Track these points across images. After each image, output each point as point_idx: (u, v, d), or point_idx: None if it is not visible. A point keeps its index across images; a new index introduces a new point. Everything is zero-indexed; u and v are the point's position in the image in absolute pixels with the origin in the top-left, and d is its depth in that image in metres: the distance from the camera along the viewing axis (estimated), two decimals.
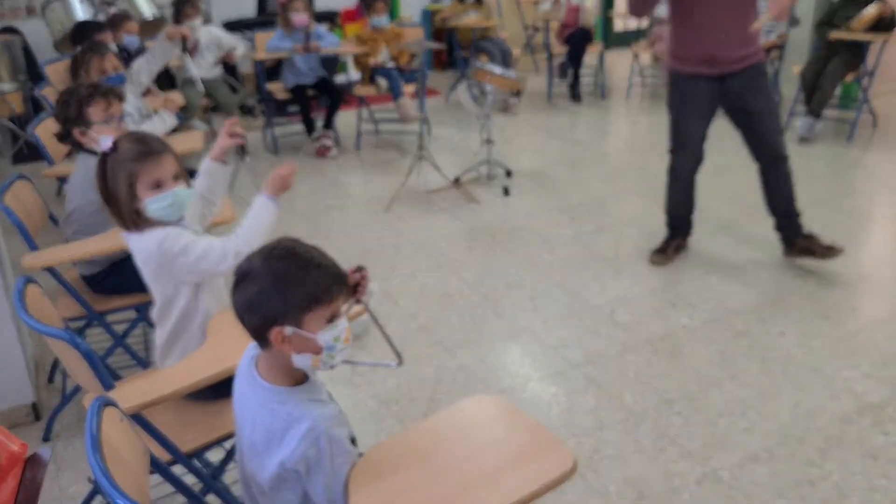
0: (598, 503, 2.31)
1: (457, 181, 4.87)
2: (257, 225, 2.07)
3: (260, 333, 1.39)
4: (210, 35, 5.80)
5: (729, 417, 2.67)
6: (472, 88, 4.75)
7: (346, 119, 6.23)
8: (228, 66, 6.20)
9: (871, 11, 5.42)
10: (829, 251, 3.60)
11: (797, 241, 3.69)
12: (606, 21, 8.54)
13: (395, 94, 5.61)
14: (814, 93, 5.57)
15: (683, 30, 3.43)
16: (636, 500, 2.32)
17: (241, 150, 2.30)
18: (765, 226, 4.25)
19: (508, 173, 5.02)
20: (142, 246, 1.99)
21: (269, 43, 5.57)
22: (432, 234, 4.25)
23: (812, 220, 4.22)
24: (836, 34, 5.52)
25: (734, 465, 2.43)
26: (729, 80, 3.43)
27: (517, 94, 5.47)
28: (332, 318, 1.40)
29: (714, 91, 3.46)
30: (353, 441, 1.55)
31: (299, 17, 5.45)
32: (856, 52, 5.62)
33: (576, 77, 6.96)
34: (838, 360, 2.98)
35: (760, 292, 3.51)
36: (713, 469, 2.42)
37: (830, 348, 3.07)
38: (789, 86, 6.18)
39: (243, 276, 1.38)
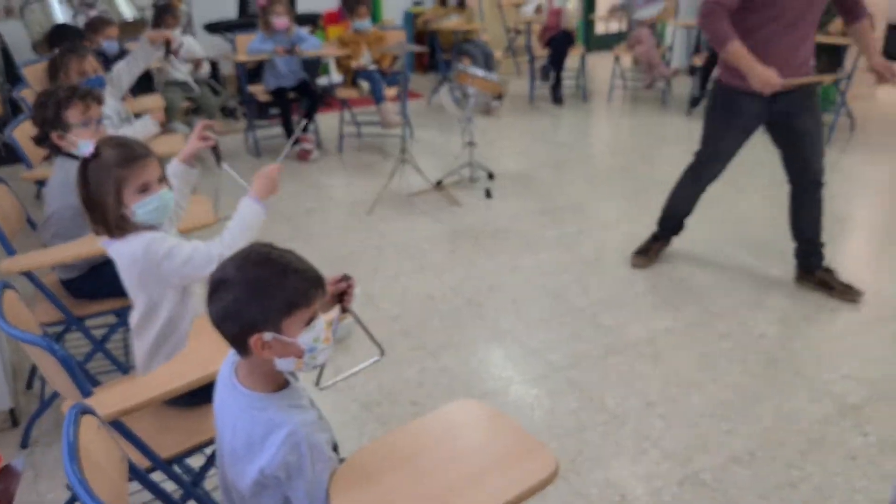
0: None
1: (439, 184, 4.87)
2: (243, 227, 2.06)
3: (239, 341, 1.38)
4: (186, 44, 5.81)
5: (710, 419, 2.67)
6: (454, 91, 4.75)
7: (328, 122, 6.20)
8: (210, 68, 6.18)
9: None
10: (847, 291, 3.46)
11: (817, 272, 3.55)
12: (588, 24, 8.57)
13: (377, 97, 5.60)
14: None
15: (751, 48, 3.09)
16: (618, 502, 2.31)
17: (216, 155, 2.27)
18: (744, 229, 4.29)
19: (491, 176, 5.02)
20: (126, 251, 1.96)
21: (251, 45, 5.54)
22: (415, 237, 4.24)
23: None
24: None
25: (716, 467, 2.44)
26: (781, 97, 3.20)
27: (499, 96, 5.48)
28: (310, 321, 1.39)
29: (764, 108, 3.27)
30: (335, 447, 1.53)
31: (280, 20, 5.43)
32: (834, 56, 5.67)
33: (558, 80, 6.98)
34: (819, 363, 3.00)
35: (741, 295, 3.53)
36: (695, 471, 2.43)
37: (811, 350, 3.08)
38: None
39: (218, 285, 1.36)
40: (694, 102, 6.57)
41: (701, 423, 2.65)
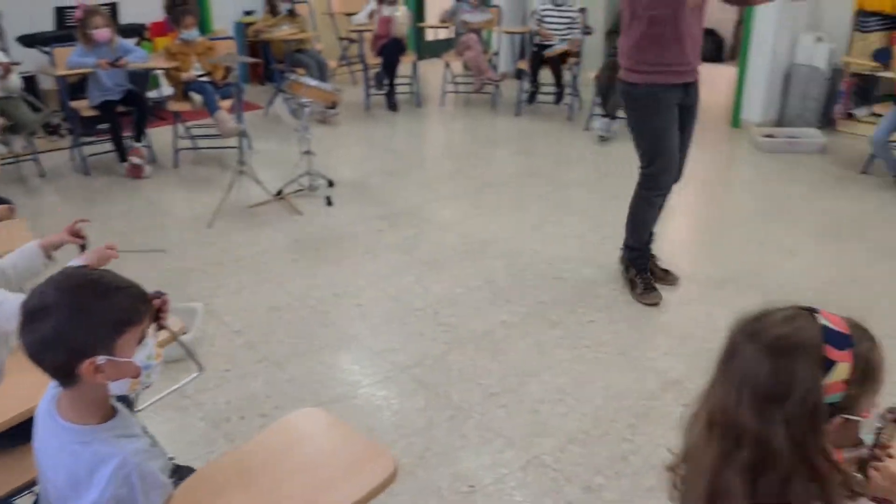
0: (430, 500, 2.33)
1: (279, 194, 4.77)
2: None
3: (65, 370, 1.28)
4: None
5: (548, 405, 2.78)
6: (288, 101, 4.67)
7: (161, 136, 5.92)
8: (28, 83, 5.72)
9: None
10: (666, 276, 3.66)
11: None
12: (418, 32, 8.67)
13: (210, 109, 5.40)
14: (608, 96, 5.93)
15: (665, 41, 3.13)
16: (467, 493, 2.36)
17: (81, 248, 2.06)
18: (571, 223, 4.48)
19: (331, 184, 4.97)
20: None
21: (70, 59, 5.19)
22: (257, 249, 4.13)
23: (611, 213, 4.49)
24: None
25: (555, 449, 2.54)
26: (691, 85, 3.30)
27: (333, 105, 5.43)
28: (141, 338, 1.33)
29: (681, 95, 3.29)
30: (175, 470, 1.47)
31: (101, 33, 5.12)
32: None
33: (391, 87, 7.02)
34: (643, 342, 3.19)
35: (570, 284, 3.69)
36: (536, 455, 2.52)
37: (635, 331, 3.27)
38: (587, 90, 6.55)
39: (34, 314, 1.26)
40: (530, 99, 6.84)
41: (540, 409, 2.75)
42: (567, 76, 6.73)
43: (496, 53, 7.34)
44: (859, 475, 1.16)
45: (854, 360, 1.09)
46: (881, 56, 5.07)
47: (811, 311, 1.14)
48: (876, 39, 5.61)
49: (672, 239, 4.21)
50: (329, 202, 4.74)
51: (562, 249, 4.07)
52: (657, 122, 3.29)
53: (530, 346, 3.16)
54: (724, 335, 1.20)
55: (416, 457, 2.51)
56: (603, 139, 5.97)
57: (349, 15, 7.54)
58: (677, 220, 4.55)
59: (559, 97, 6.87)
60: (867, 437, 1.14)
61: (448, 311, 3.44)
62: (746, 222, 4.45)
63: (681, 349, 3.12)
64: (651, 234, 3.66)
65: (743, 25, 6.27)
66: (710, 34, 8.78)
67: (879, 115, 5.16)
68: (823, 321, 1.12)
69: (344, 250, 4.11)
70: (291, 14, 6.81)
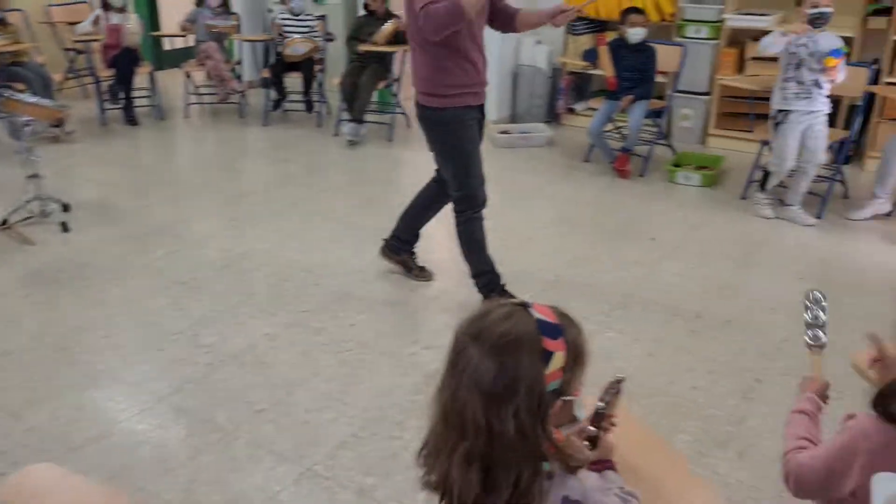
0: None
1: (4, 224, 4.26)
2: None
3: None
4: None
5: (317, 413, 2.74)
6: (5, 121, 4.18)
7: None
8: None
9: (388, 27, 6.01)
10: (422, 273, 3.75)
11: (402, 255, 3.76)
12: (154, 40, 8.17)
13: None
14: (354, 101, 5.99)
15: (462, 64, 3.12)
16: None
17: None
18: (328, 229, 4.45)
19: (66, 208, 4.52)
20: None
21: None
22: None
23: (367, 217, 4.54)
24: (363, 47, 6.00)
25: (326, 457, 2.51)
26: (482, 106, 3.32)
27: (59, 123, 4.96)
28: None
29: (479, 114, 3.30)
30: None
31: None
32: (383, 63, 6.17)
33: (128, 100, 6.54)
34: (403, 339, 3.25)
35: (331, 290, 3.67)
36: (308, 466, 2.47)
37: (395, 329, 3.33)
38: (333, 95, 6.55)
39: None
40: (275, 107, 6.68)
41: (309, 419, 2.71)
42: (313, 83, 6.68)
43: (239, 62, 7.11)
44: (586, 446, 1.26)
45: (566, 348, 1.18)
46: (589, 56, 5.59)
47: (524, 306, 1.22)
48: (586, 41, 6.18)
49: (425, 234, 4.34)
50: (65, 228, 4.31)
51: (320, 256, 4.04)
52: (465, 145, 3.26)
53: (296, 356, 3.10)
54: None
55: (182, 490, 2.36)
56: (352, 143, 6.01)
57: (72, 24, 6.91)
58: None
59: (309, 105, 6.79)
60: (580, 413, 1.24)
61: (208, 331, 3.28)
62: (491, 216, 4.67)
63: (437, 341, 3.21)
64: (417, 234, 3.74)
65: None
66: None
67: (595, 109, 5.68)
68: (537, 315, 1.19)
69: (86, 279, 3.76)
70: (2, 23, 6.10)
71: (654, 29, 5.84)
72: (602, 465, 1.34)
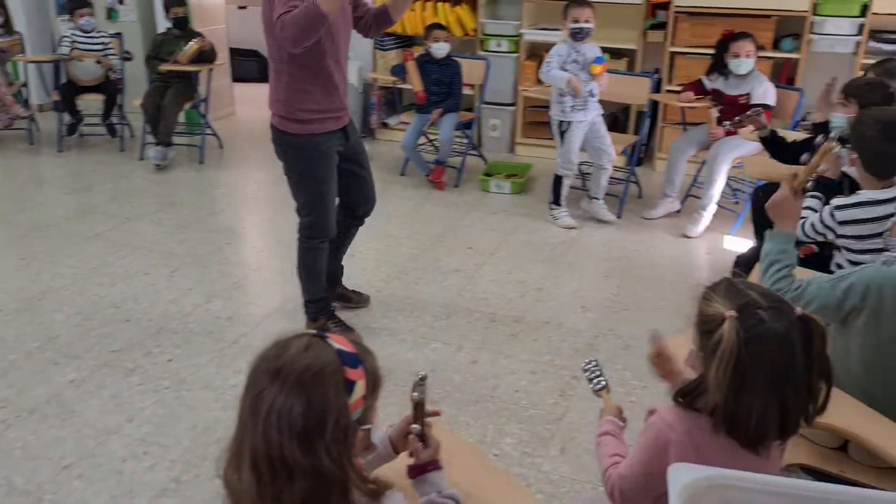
0: None
1: None
2: None
3: None
4: None
5: (133, 461, 2.54)
6: None
7: None
8: None
9: (192, 46, 5.74)
10: (359, 297, 3.62)
11: (337, 287, 3.58)
12: None
13: None
14: (158, 123, 5.67)
15: (319, 85, 2.97)
16: None
17: None
18: (137, 259, 4.17)
19: None
20: None
21: None
22: None
23: (179, 245, 4.30)
24: (165, 67, 5.70)
25: None
26: (351, 129, 3.17)
27: None
28: None
29: (341, 141, 3.13)
30: None
31: None
32: (188, 83, 5.89)
33: None
34: (224, 370, 3.10)
35: (142, 325, 3.43)
36: None
37: (215, 360, 3.16)
38: (135, 117, 6.16)
39: None
40: (70, 131, 6.15)
41: (123, 469, 2.50)
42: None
43: (24, 85, 6.51)
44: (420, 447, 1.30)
45: (366, 376, 1.16)
46: (397, 71, 5.64)
47: (321, 337, 1.19)
48: (394, 56, 6.24)
49: (248, 259, 4.19)
50: None
51: (129, 289, 3.77)
52: (318, 173, 3.09)
53: (106, 402, 2.86)
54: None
55: None
56: (160, 168, 5.68)
57: None
58: (251, 241, 4.53)
59: (112, 128, 6.31)
60: (375, 439, 1.25)
61: (1, 384, 2.95)
62: None
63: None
64: (341, 267, 3.59)
65: None
66: (256, 55, 8.93)
67: (407, 123, 5.74)
68: (336, 345, 1.16)
69: None
70: None
71: (458, 43, 6.02)
72: (427, 467, 1.35)
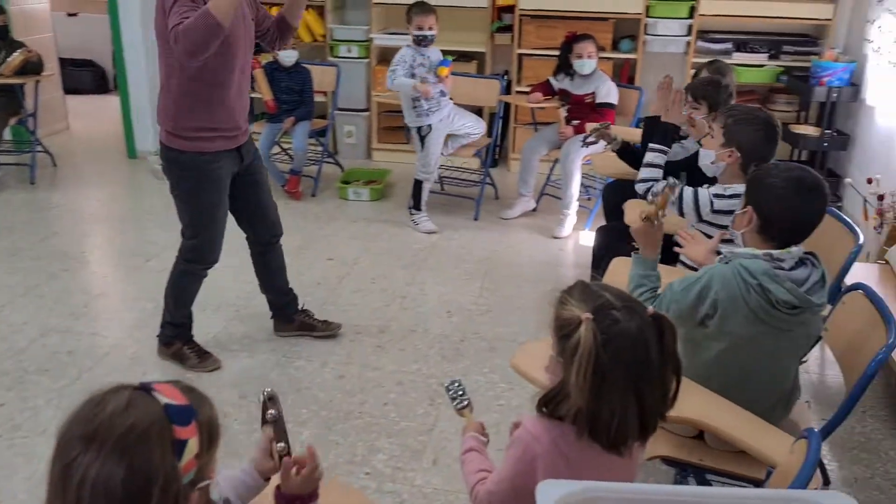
0: None
1: None
2: None
3: None
4: None
5: None
6: None
7: None
8: None
9: (17, 57, 5.30)
10: (327, 326, 3.37)
11: (296, 316, 3.35)
12: None
13: None
14: None
15: (210, 101, 2.75)
16: None
17: None
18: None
19: None
20: None
21: None
22: None
23: (10, 274, 3.91)
24: None
25: None
26: (246, 148, 2.94)
27: None
28: None
29: (236, 162, 2.92)
30: None
31: None
32: (11, 96, 5.41)
33: None
34: (64, 413, 2.79)
35: None
36: None
37: (54, 403, 2.88)
38: None
39: None
40: None
41: None
42: None
43: None
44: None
45: (199, 431, 1.04)
46: None
47: (146, 390, 1.05)
48: None
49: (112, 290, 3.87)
50: None
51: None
52: (205, 194, 2.88)
53: None
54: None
55: None
56: None
57: None
58: (102, 263, 4.20)
59: None
60: (215, 495, 1.15)
61: None
62: (165, 250, 4.29)
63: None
64: (286, 292, 3.35)
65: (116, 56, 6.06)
66: (91, 64, 8.38)
67: (259, 133, 5.53)
68: (163, 399, 1.04)
69: None
70: None
71: (308, 49, 5.87)
72: (299, 499, 1.27)
